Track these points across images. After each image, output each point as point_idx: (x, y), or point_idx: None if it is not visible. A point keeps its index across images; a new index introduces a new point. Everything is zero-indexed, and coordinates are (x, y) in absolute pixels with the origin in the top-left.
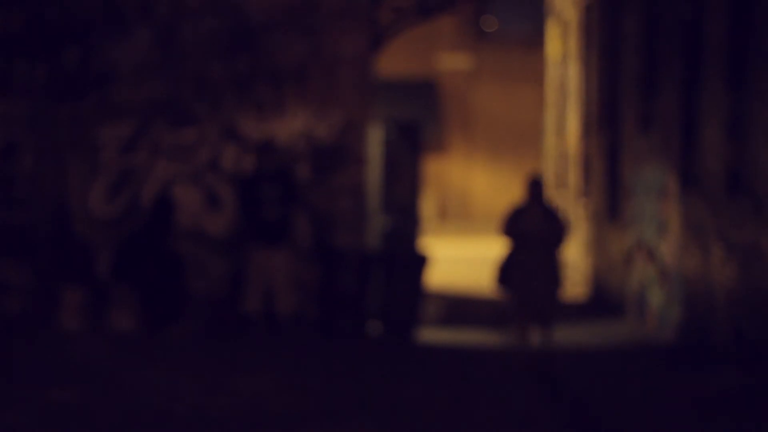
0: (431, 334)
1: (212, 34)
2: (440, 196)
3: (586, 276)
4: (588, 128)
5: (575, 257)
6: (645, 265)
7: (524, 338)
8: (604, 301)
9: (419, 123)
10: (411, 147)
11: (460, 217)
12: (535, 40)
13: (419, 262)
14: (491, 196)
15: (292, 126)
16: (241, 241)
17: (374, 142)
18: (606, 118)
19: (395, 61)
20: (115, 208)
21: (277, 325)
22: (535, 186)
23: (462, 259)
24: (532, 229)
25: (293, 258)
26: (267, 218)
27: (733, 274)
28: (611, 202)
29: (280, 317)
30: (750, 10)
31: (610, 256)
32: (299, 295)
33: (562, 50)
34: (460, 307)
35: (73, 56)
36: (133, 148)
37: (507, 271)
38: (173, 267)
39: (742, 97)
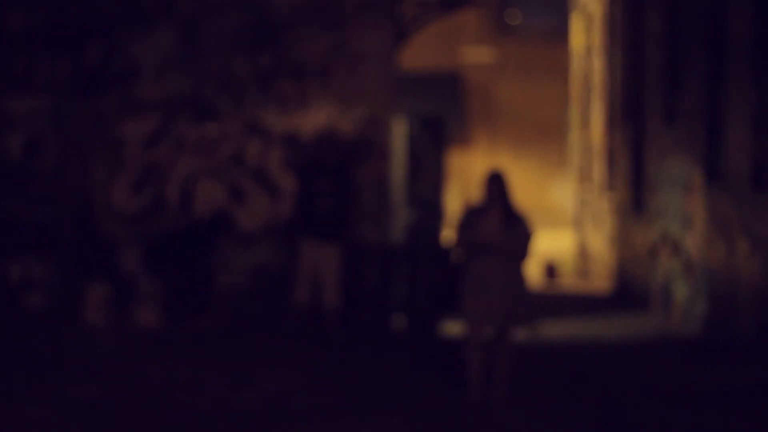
0: (455, 328)
1: (235, 29)
2: (464, 190)
3: (611, 269)
4: (612, 122)
5: (600, 250)
6: (670, 258)
7: (476, 350)
8: (628, 294)
9: (443, 117)
10: (435, 141)
11: None
12: (559, 34)
13: (443, 255)
14: (515, 190)
15: (316, 120)
16: (292, 234)
17: (398, 136)
18: (630, 112)
19: (419, 54)
20: (139, 204)
21: (321, 320)
22: (495, 182)
23: None
24: (491, 237)
25: (341, 252)
26: (319, 212)
27: (758, 268)
28: (636, 196)
29: (326, 312)
30: None
31: (635, 249)
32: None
33: (586, 44)
34: None
35: (97, 52)
36: (157, 143)
37: (457, 290)
38: (198, 262)
39: (767, 90)
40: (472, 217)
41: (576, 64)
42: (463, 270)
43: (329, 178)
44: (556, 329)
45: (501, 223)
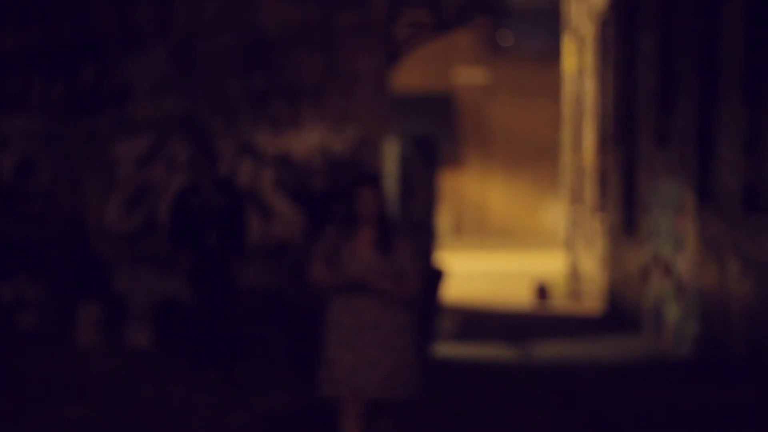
0: (448, 349)
1: (228, 50)
2: (456, 211)
3: (603, 290)
4: (604, 143)
5: (592, 271)
6: (661, 279)
7: (352, 423)
8: (620, 315)
9: (435, 137)
10: (427, 162)
11: (476, 231)
12: (551, 55)
13: (436, 276)
14: (507, 211)
15: (308, 141)
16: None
17: (390, 156)
18: (622, 133)
19: (411, 75)
20: (132, 224)
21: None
22: (366, 193)
23: (478, 273)
24: (360, 270)
25: None
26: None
27: (749, 289)
28: (627, 217)
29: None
30: (766, 25)
31: (627, 270)
32: None
33: (578, 65)
34: (477, 322)
35: (90, 73)
36: (150, 163)
37: (314, 350)
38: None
39: (759, 112)
40: (336, 243)
41: (568, 86)
42: (324, 316)
43: (341, 205)
44: (547, 350)
45: (375, 249)
